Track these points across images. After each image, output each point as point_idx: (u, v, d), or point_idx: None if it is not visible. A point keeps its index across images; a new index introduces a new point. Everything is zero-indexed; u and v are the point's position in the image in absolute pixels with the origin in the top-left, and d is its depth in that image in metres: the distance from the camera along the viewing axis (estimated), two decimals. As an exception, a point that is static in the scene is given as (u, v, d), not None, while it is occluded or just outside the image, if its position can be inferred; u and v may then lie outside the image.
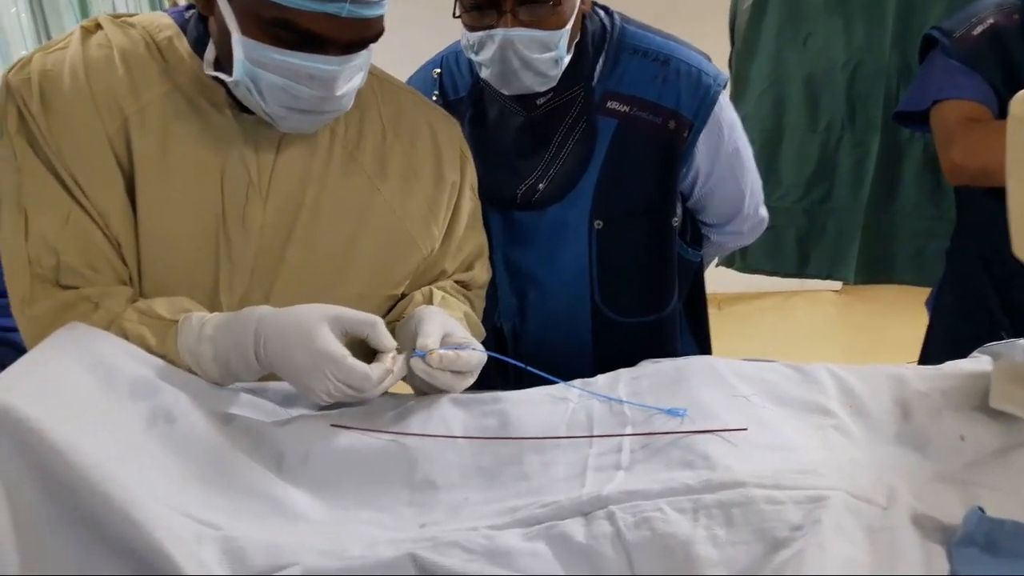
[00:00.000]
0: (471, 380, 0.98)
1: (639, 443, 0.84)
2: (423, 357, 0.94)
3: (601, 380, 0.99)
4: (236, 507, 0.82)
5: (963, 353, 1.15)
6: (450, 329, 0.99)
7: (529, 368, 0.97)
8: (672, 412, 0.87)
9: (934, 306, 1.76)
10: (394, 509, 0.84)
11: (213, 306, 1.01)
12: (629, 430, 0.87)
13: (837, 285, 3.70)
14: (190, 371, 0.94)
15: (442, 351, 0.94)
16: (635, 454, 0.83)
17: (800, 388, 0.93)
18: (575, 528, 0.74)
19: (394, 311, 1.13)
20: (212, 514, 0.80)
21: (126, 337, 0.93)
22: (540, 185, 1.34)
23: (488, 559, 0.72)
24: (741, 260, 2.28)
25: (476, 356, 0.98)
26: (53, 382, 0.82)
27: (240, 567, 0.73)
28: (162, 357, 0.93)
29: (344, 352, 0.90)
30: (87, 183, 0.95)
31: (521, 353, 1.44)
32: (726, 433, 0.81)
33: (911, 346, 3.24)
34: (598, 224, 1.34)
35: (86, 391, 0.84)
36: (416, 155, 1.12)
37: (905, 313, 3.46)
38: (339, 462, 0.88)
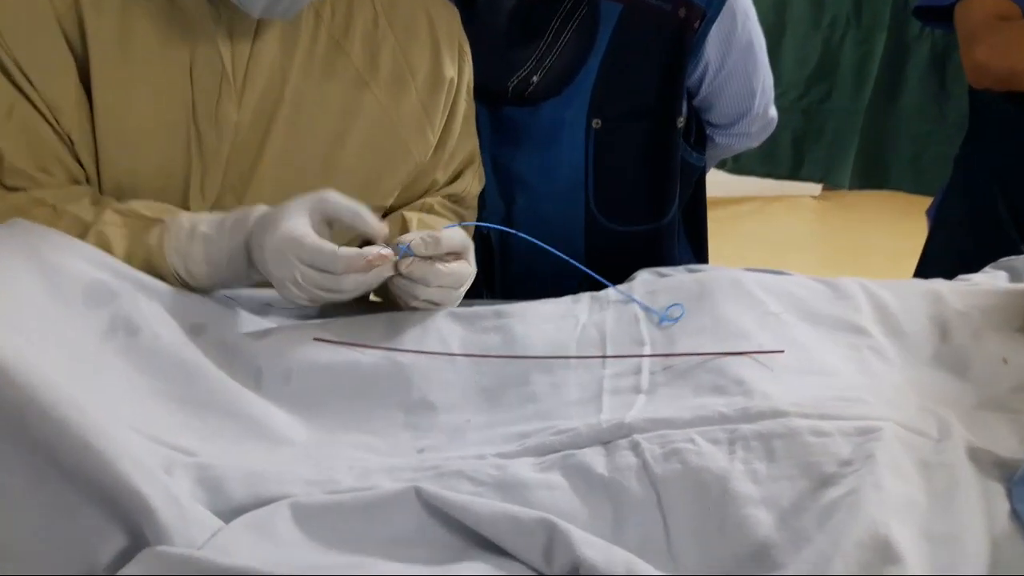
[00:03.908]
0: (469, 268, 0.88)
1: (660, 364, 0.76)
2: (406, 251, 0.83)
3: (613, 293, 0.90)
4: (210, 429, 0.73)
5: (968, 266, 1.08)
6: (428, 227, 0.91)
7: (534, 240, 0.90)
8: (669, 315, 0.81)
9: (936, 216, 1.69)
10: (388, 432, 0.76)
11: None
12: (648, 350, 0.79)
13: (816, 190, 3.64)
14: (176, 276, 0.84)
15: (423, 234, 0.84)
16: (656, 376, 0.75)
17: (832, 304, 0.85)
18: (595, 458, 0.66)
19: None
20: (183, 438, 0.71)
21: (109, 245, 0.83)
22: (534, 78, 1.22)
23: (499, 491, 0.65)
24: (733, 162, 2.19)
25: (460, 232, 0.88)
26: (-6, 288, 0.71)
27: (217, 499, 0.65)
28: (146, 262, 0.83)
29: (308, 231, 0.80)
30: (33, 70, 0.82)
31: (509, 264, 1.35)
32: (759, 356, 0.74)
33: (890, 254, 3.21)
34: (596, 123, 1.23)
35: (33, 297, 0.73)
36: (411, 47, 0.99)
37: (883, 220, 3.43)
38: (325, 379, 0.79)
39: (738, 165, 2.21)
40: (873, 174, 2.17)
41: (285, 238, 0.79)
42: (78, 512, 0.61)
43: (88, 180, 0.88)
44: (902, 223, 3.41)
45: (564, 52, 1.20)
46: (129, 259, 0.82)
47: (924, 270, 1.69)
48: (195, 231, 0.83)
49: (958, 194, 1.61)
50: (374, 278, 0.82)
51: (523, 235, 0.90)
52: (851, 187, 2.20)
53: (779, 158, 2.19)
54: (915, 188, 2.13)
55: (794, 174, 2.22)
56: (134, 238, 0.84)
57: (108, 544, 0.60)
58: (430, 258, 0.84)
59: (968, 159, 1.59)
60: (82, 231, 0.83)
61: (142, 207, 0.86)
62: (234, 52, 0.89)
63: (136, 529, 0.60)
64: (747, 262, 1.07)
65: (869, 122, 2.11)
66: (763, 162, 2.19)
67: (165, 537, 0.59)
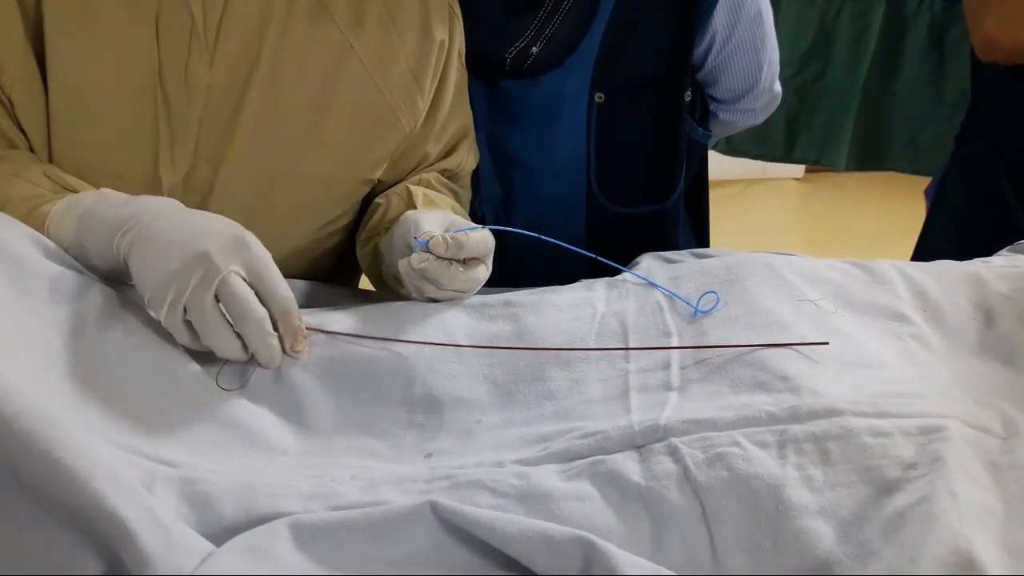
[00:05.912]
0: (486, 272, 0.81)
1: (691, 357, 0.70)
2: (425, 245, 0.76)
3: (631, 279, 0.83)
4: (194, 437, 0.65)
5: (971, 247, 1.04)
6: (453, 220, 0.83)
7: (558, 242, 0.82)
8: (702, 306, 0.74)
9: (936, 195, 1.64)
10: (391, 434, 0.69)
11: (152, 186, 0.82)
12: (675, 341, 0.72)
13: (799, 172, 3.60)
14: (47, 231, 0.74)
15: (446, 234, 0.76)
16: (687, 371, 0.69)
17: (869, 289, 0.78)
18: (628, 465, 0.59)
19: (371, 223, 0.95)
20: (164, 447, 0.63)
21: (6, 200, 0.74)
22: (533, 48, 1.14)
23: (522, 503, 0.58)
24: (726, 143, 2.12)
25: (486, 236, 0.80)
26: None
27: (205, 518, 0.58)
28: (26, 214, 0.74)
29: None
30: None
31: (506, 248, 1.28)
32: (803, 348, 0.67)
33: (874, 236, 3.17)
34: (599, 97, 1.16)
35: (-7, 293, 0.65)
36: (399, 7, 0.92)
37: (867, 202, 3.40)
38: (320, 376, 0.71)
39: (730, 146, 2.14)
40: (869, 155, 2.10)
41: (236, 232, 0.69)
42: (47, 537, 0.53)
43: (32, 149, 0.81)
44: (886, 205, 3.38)
45: (566, 20, 1.13)
46: (14, 210, 0.74)
47: (923, 250, 1.64)
48: (76, 210, 0.74)
49: (959, 173, 1.56)
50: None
51: (552, 240, 0.83)
52: (847, 168, 2.14)
53: (772, 139, 2.11)
54: (912, 169, 2.07)
55: (787, 155, 2.15)
56: (42, 197, 0.75)
57: (81, 573, 0.52)
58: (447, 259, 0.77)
59: (970, 136, 1.53)
60: None
61: (77, 183, 0.78)
62: (205, 7, 0.81)
63: (114, 556, 0.53)
64: (732, 246, 1.02)
65: (865, 101, 2.04)
66: (756, 143, 2.12)
67: (148, 564, 0.51)
